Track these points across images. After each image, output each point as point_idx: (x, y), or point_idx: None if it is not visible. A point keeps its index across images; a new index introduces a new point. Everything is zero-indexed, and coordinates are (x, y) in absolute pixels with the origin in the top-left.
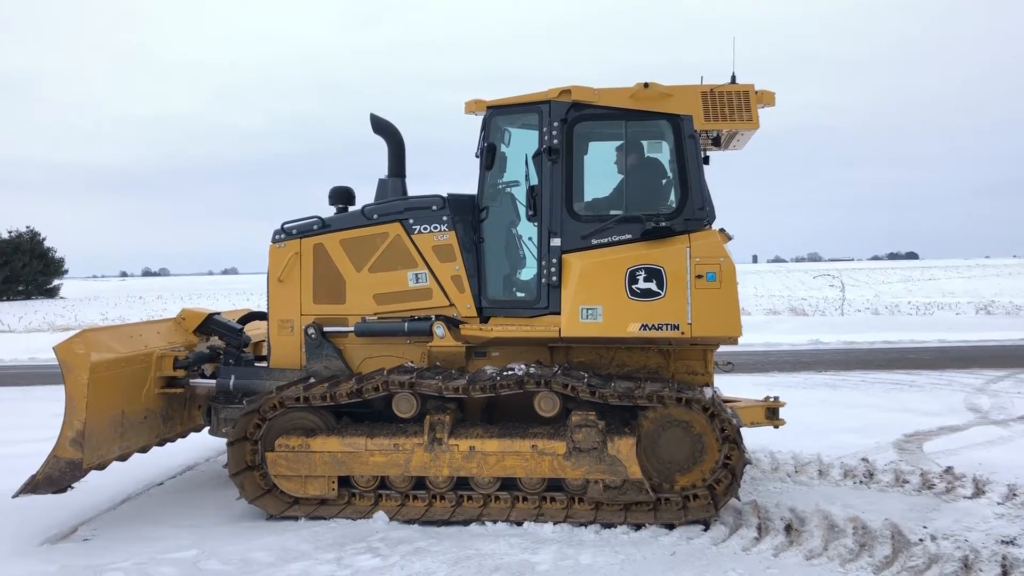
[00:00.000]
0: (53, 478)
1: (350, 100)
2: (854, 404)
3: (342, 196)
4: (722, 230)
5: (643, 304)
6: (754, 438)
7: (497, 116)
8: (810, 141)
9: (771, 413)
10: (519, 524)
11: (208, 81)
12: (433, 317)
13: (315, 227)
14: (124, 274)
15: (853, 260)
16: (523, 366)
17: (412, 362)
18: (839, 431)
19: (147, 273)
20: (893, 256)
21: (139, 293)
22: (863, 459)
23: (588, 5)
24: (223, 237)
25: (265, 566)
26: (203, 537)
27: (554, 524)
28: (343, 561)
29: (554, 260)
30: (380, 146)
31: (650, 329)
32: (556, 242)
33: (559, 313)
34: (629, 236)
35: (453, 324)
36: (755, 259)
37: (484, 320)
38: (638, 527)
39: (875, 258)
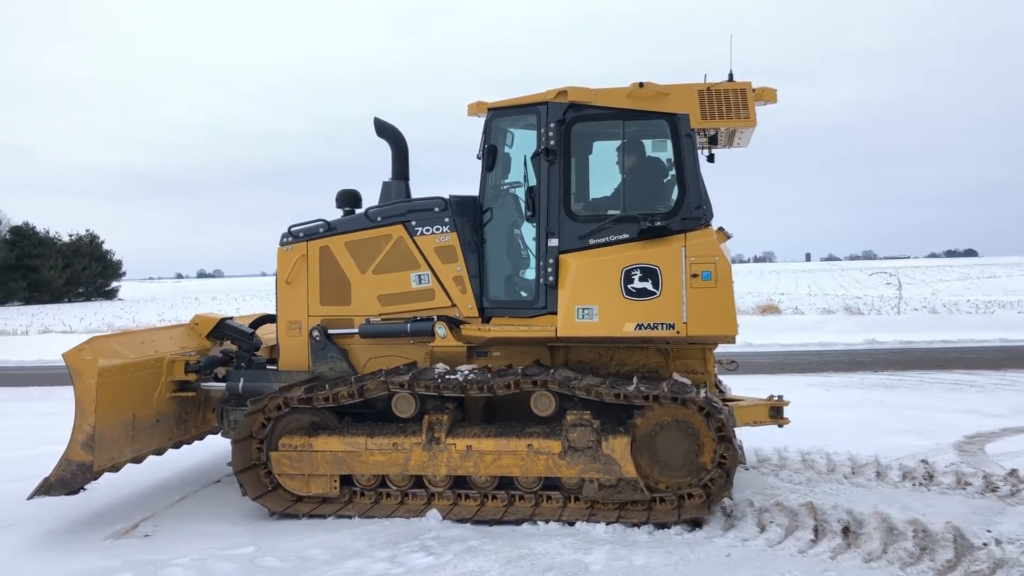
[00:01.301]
0: (65, 480)
1: (393, 103)
2: (912, 405)
3: (348, 199)
4: (720, 229)
5: (639, 304)
6: (809, 439)
7: (498, 118)
8: (861, 136)
9: (775, 412)
10: (571, 524)
11: (255, 86)
12: (435, 318)
13: (321, 230)
14: (179, 275)
15: (909, 258)
16: (465, 369)
17: (402, 365)
18: (897, 432)
19: (201, 275)
20: (951, 253)
21: (194, 294)
22: (923, 461)
23: (628, 3)
24: (274, 239)
25: (321, 563)
26: (260, 534)
27: (607, 524)
28: (397, 559)
29: (551, 260)
30: (426, 148)
31: (646, 328)
32: (553, 242)
33: (556, 313)
34: (626, 236)
35: (454, 324)
36: (808, 257)
37: (486, 320)
38: (692, 528)
39: (932, 255)
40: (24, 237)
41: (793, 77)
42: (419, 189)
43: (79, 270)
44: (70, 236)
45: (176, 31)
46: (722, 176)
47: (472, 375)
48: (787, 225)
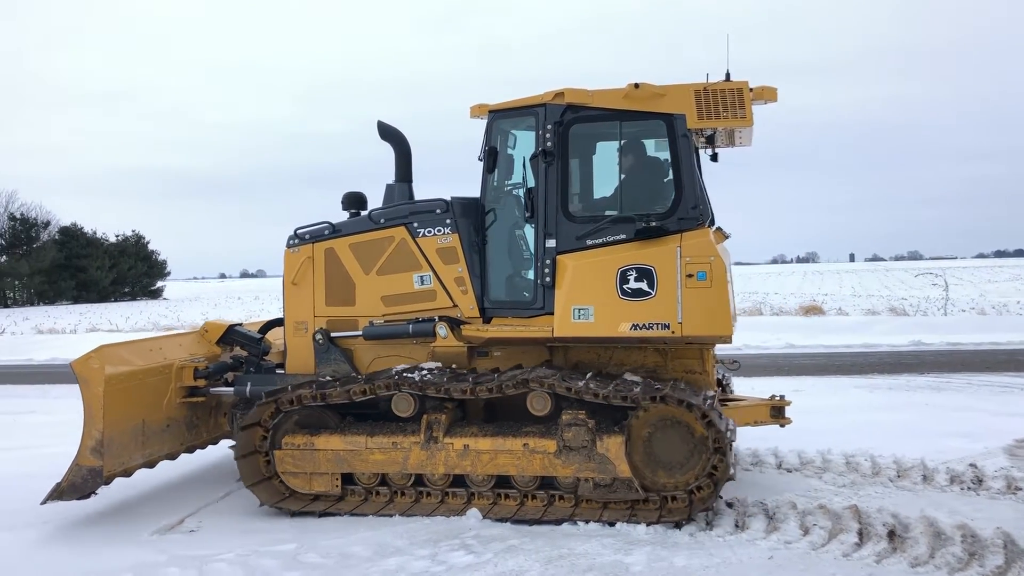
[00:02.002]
0: (76, 485)
1: (430, 102)
2: (960, 407)
3: (354, 201)
4: (719, 229)
5: (634, 304)
6: (853, 441)
7: (498, 120)
8: (908, 133)
9: (776, 412)
10: (611, 524)
11: (295, 88)
12: (436, 318)
13: (326, 232)
14: (223, 275)
15: (956, 258)
16: (424, 368)
17: (398, 366)
18: (944, 435)
19: (244, 274)
20: (1000, 254)
21: (237, 294)
22: (971, 464)
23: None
24: None
25: (363, 560)
26: (302, 531)
27: (647, 525)
28: (438, 557)
29: (547, 261)
30: (465, 146)
31: (641, 329)
32: (551, 243)
33: (554, 313)
34: (623, 236)
35: (455, 325)
36: (852, 258)
37: (487, 320)
38: (736, 528)
39: (980, 256)
40: (72, 237)
41: (837, 73)
42: (456, 189)
43: (125, 270)
44: (117, 237)
45: (213, 35)
46: (763, 175)
47: (429, 375)
48: (831, 225)
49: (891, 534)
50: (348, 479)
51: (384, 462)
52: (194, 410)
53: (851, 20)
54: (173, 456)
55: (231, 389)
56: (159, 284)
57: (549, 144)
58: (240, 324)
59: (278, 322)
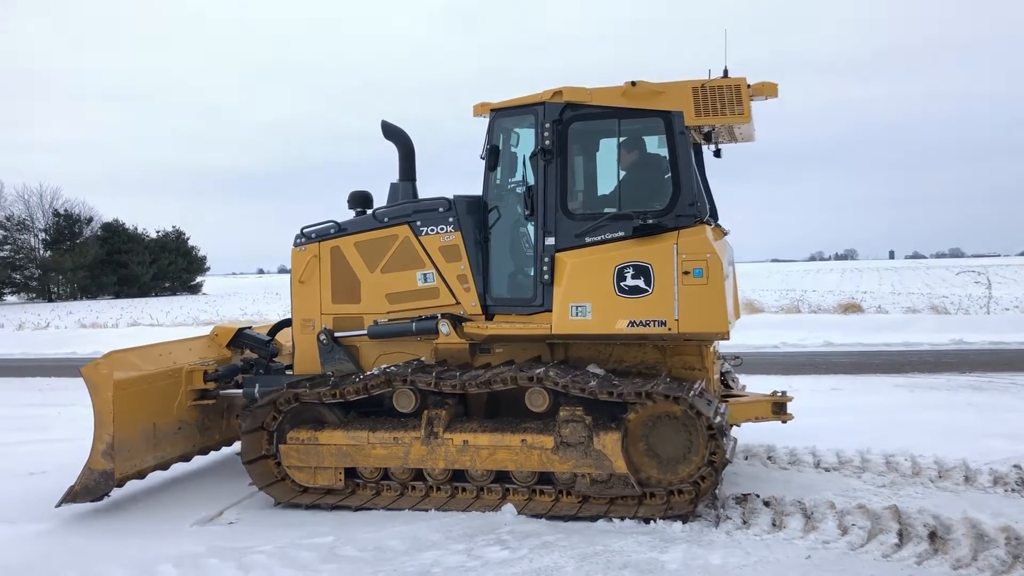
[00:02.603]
0: (89, 488)
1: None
2: (1003, 408)
3: (360, 200)
4: (718, 226)
5: (631, 301)
6: (893, 440)
7: (499, 118)
8: (951, 129)
9: (778, 408)
10: (646, 521)
11: (331, 86)
12: (439, 316)
13: (332, 231)
14: (261, 271)
15: (999, 256)
16: (394, 366)
17: (396, 366)
18: (987, 435)
19: (282, 270)
20: None
21: (276, 289)
22: (1015, 466)
23: None
24: None
25: (399, 554)
26: (339, 524)
27: (683, 523)
28: (473, 552)
29: (546, 259)
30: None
31: (638, 326)
32: (550, 241)
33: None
34: (622, 234)
35: (458, 322)
36: (892, 255)
37: (489, 317)
38: (773, 526)
39: None
40: (114, 233)
41: (875, 68)
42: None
43: (166, 265)
44: (157, 232)
45: (251, 33)
46: (802, 171)
47: (394, 370)
48: (869, 222)
49: (932, 535)
50: (352, 473)
51: (386, 457)
52: (206, 412)
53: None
54: (187, 458)
55: (240, 391)
56: (199, 279)
57: (547, 143)
58: (250, 327)
59: (287, 323)
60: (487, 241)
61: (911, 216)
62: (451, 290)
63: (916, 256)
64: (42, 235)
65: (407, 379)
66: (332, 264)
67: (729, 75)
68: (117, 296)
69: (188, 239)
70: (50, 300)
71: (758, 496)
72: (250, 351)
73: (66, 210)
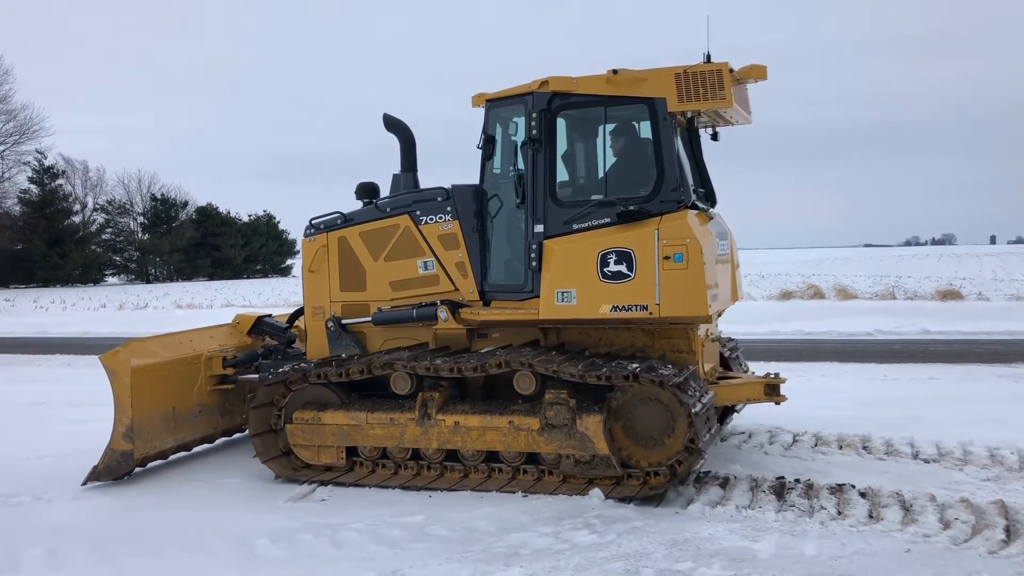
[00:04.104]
0: (111, 467)
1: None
2: None
3: (367, 191)
4: (704, 210)
5: (614, 286)
6: (997, 432)
7: (494, 108)
8: None
9: (771, 389)
10: (739, 509)
11: (413, 70)
12: (438, 302)
13: (339, 222)
14: None
15: None
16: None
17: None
18: None
19: None
20: None
21: None
22: None
23: None
24: None
25: (487, 535)
26: (429, 504)
27: (776, 513)
28: (561, 535)
29: (534, 246)
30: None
31: (621, 310)
32: (539, 228)
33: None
34: (607, 220)
35: (455, 308)
36: (993, 240)
37: (487, 303)
38: (870, 518)
39: None
40: (208, 217)
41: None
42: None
43: (257, 248)
44: (249, 216)
45: (327, 20)
46: (898, 153)
47: (347, 359)
48: (969, 206)
49: None
50: (353, 452)
51: (383, 436)
52: (227, 397)
53: None
54: (211, 439)
55: (258, 376)
56: (288, 262)
57: (535, 132)
58: (270, 315)
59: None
60: (484, 229)
61: (1015, 200)
62: (450, 277)
63: (1020, 241)
64: (140, 219)
65: (388, 363)
66: (339, 253)
67: (712, 60)
68: (211, 278)
69: (279, 222)
70: (148, 281)
71: (853, 487)
72: (269, 338)
73: (163, 194)
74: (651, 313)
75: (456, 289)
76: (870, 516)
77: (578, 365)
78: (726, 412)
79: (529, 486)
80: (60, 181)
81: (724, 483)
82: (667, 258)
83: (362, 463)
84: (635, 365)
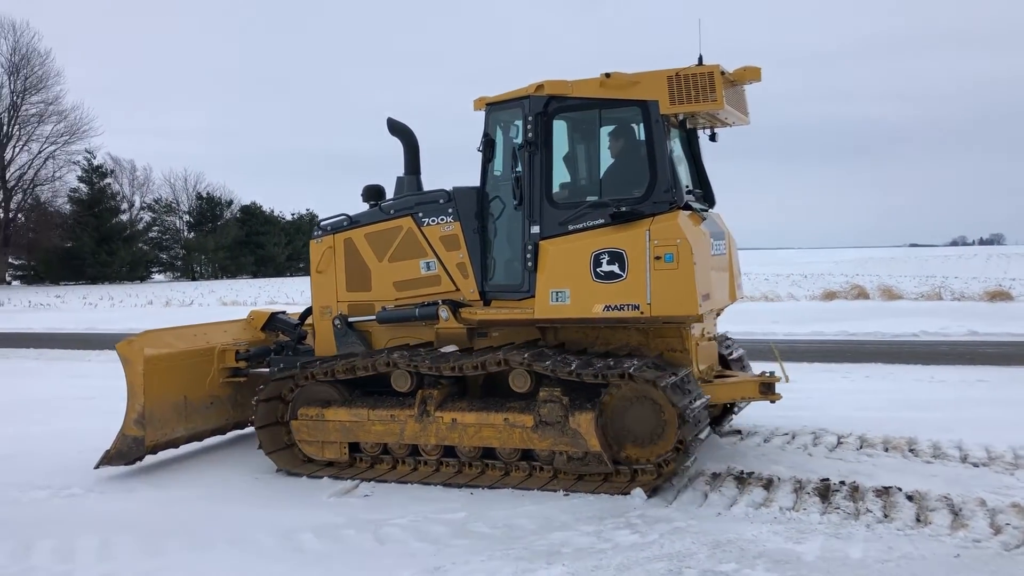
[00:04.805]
0: (123, 452)
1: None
2: None
3: (373, 193)
4: (698, 211)
5: (607, 286)
6: None
7: (494, 112)
8: None
9: (766, 388)
10: (783, 511)
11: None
12: (439, 302)
13: (345, 224)
14: None
15: None
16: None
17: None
18: None
19: None
20: None
21: None
22: None
23: None
24: None
25: (528, 533)
26: (471, 501)
27: (821, 515)
28: (603, 535)
29: (530, 247)
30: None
31: (613, 310)
32: (535, 229)
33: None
34: (602, 221)
35: (456, 308)
36: None
37: (487, 303)
38: (917, 522)
39: None
40: (252, 215)
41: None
42: None
43: (300, 246)
44: (292, 215)
45: (369, 22)
46: (944, 151)
47: (319, 362)
48: (1019, 205)
49: None
50: (356, 448)
51: (383, 433)
52: (239, 390)
53: None
54: (222, 431)
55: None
56: None
57: (531, 135)
58: (283, 312)
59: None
60: (484, 230)
61: None
62: (451, 278)
63: None
64: (186, 217)
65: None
66: (346, 255)
67: (704, 63)
68: (254, 276)
69: (321, 221)
70: (193, 279)
71: (900, 489)
72: (282, 334)
73: (208, 193)
74: (642, 312)
75: (457, 289)
76: (918, 520)
77: (545, 362)
78: (726, 412)
79: (570, 485)
80: (108, 180)
81: (768, 484)
82: (658, 258)
83: (368, 458)
84: (610, 363)
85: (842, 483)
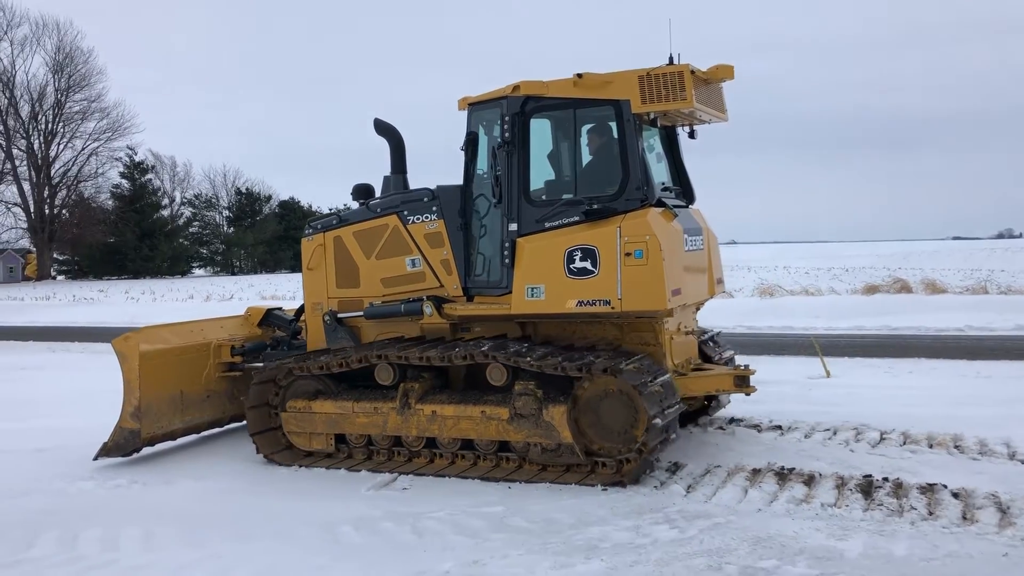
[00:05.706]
0: (120, 444)
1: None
2: None
3: (362, 192)
4: (671, 208)
5: (579, 282)
6: None
7: (476, 111)
8: None
9: (740, 381)
10: (825, 507)
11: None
12: (424, 298)
13: (334, 222)
14: None
15: None
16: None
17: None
18: None
19: None
20: None
21: None
22: None
23: None
24: None
25: (566, 527)
26: (508, 495)
27: (863, 511)
28: (641, 530)
29: (507, 244)
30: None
31: (586, 305)
32: (513, 227)
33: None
34: (576, 218)
35: (439, 304)
36: None
37: (469, 299)
38: (963, 519)
39: None
40: (290, 211)
41: None
42: None
43: None
44: (330, 210)
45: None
46: (989, 140)
47: (291, 361)
48: None
49: None
50: (342, 439)
51: (367, 424)
52: (235, 384)
53: None
54: (220, 423)
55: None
56: None
57: (508, 134)
58: (279, 308)
59: None
60: (467, 228)
61: None
62: (436, 274)
63: None
64: (226, 212)
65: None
66: (335, 252)
67: (675, 62)
68: (293, 270)
69: None
70: (232, 273)
71: (945, 487)
72: (278, 330)
73: (247, 188)
74: (613, 308)
75: (441, 285)
76: (964, 517)
77: (500, 351)
78: (709, 404)
79: (609, 479)
80: (149, 176)
81: (809, 480)
82: (628, 255)
83: (350, 451)
84: (576, 357)
85: (885, 480)
